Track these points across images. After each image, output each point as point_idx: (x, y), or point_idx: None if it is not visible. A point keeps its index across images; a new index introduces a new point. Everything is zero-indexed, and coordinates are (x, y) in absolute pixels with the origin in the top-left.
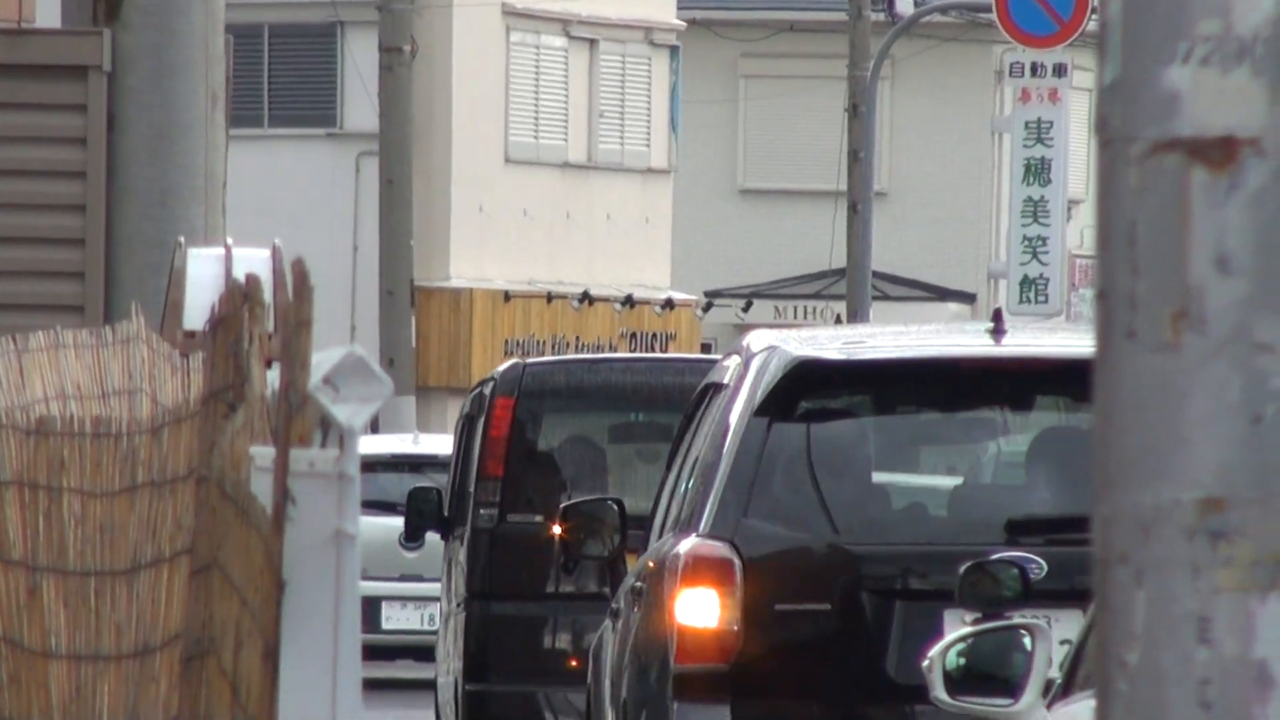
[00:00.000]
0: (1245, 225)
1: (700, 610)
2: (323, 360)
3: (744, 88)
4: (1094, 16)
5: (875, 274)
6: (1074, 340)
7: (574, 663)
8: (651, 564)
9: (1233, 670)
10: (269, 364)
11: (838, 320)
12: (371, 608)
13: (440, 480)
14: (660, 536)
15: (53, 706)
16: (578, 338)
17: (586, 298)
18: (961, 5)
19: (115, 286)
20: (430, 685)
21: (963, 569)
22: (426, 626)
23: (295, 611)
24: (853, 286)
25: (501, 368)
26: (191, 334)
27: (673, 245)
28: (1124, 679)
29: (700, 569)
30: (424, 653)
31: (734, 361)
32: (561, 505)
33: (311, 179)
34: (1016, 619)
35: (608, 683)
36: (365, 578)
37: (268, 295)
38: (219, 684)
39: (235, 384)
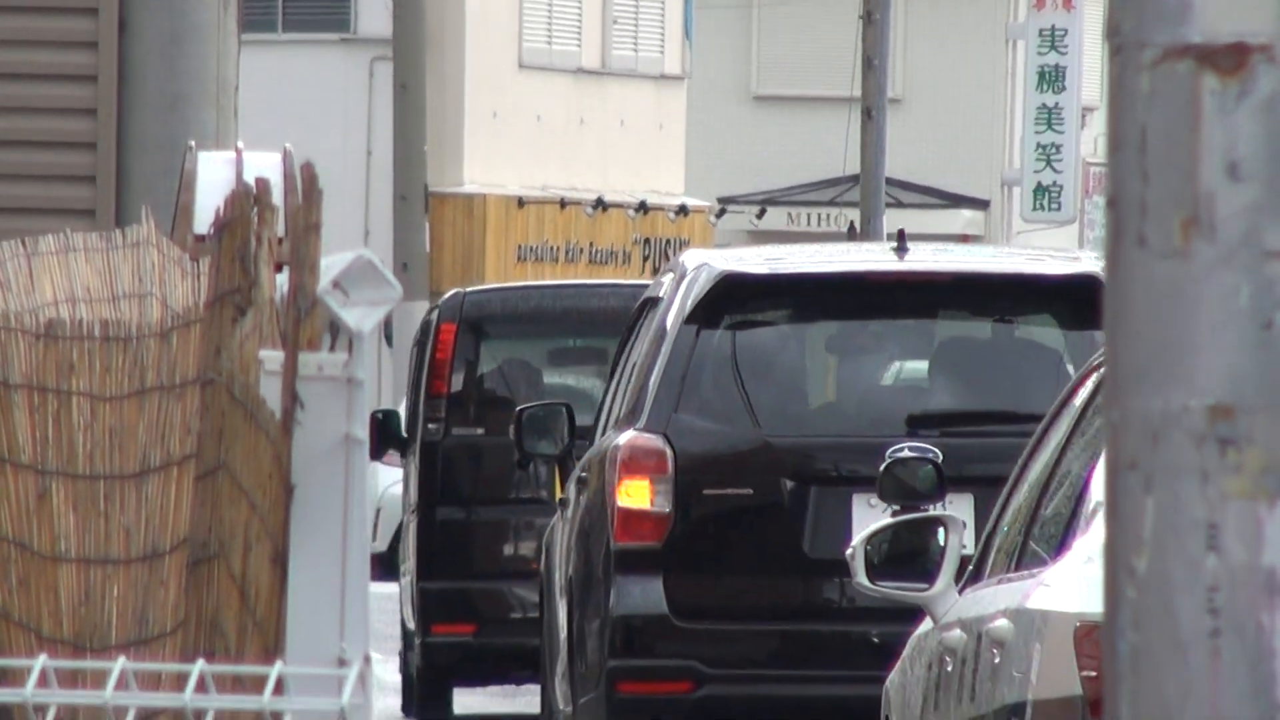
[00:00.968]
0: (1256, 132)
1: (636, 495)
2: (332, 264)
3: None
4: None
5: (889, 181)
6: (969, 258)
7: (511, 559)
8: (595, 457)
9: (1241, 577)
10: (278, 268)
11: (850, 227)
12: None
13: None
14: (604, 434)
15: (61, 610)
16: (591, 244)
17: (600, 204)
18: None
19: (126, 190)
20: None
21: (882, 466)
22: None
23: (304, 515)
24: (866, 193)
25: (445, 296)
26: (202, 238)
27: (686, 151)
28: (1132, 585)
29: (637, 459)
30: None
31: (669, 278)
32: (517, 408)
33: (325, 84)
34: (932, 511)
35: (558, 563)
36: None
37: (278, 199)
38: (228, 588)
39: (243, 288)
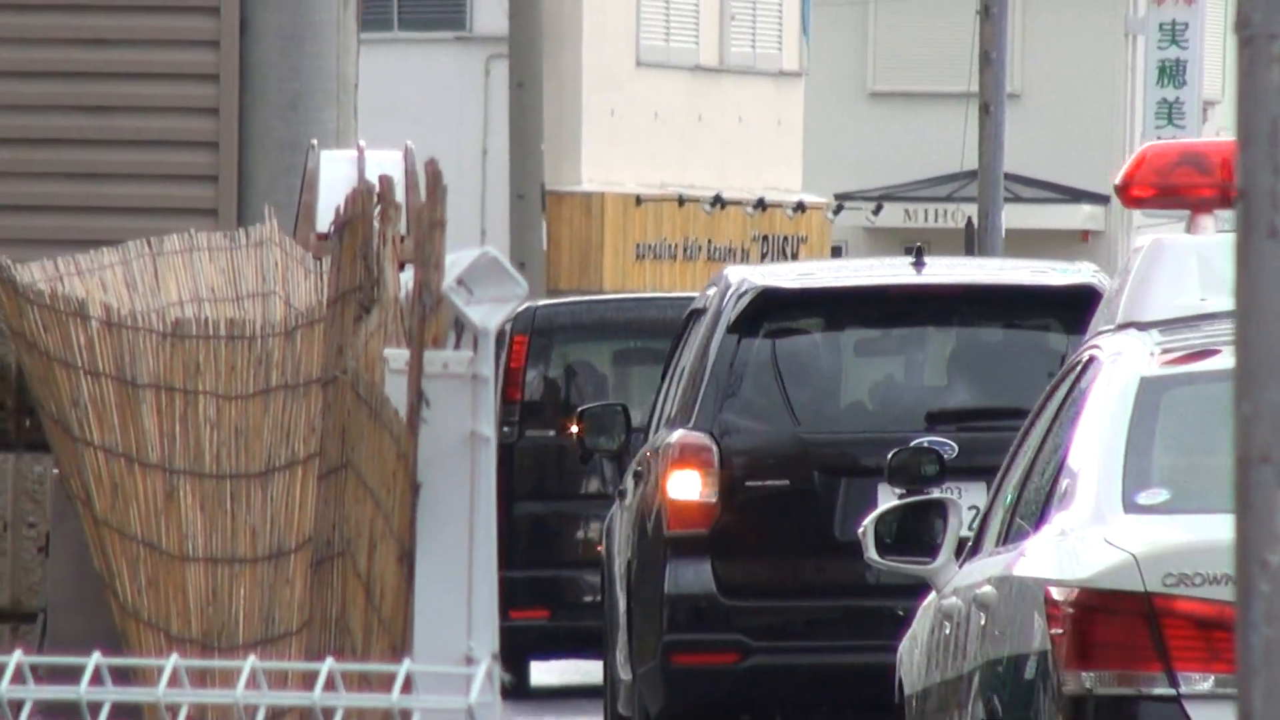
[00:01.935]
0: None
1: (686, 487)
2: (457, 261)
3: None
4: None
5: (1007, 176)
6: (980, 271)
7: (581, 549)
8: (649, 452)
9: None
10: (402, 266)
11: (968, 223)
12: None
13: None
14: (656, 431)
15: (189, 609)
16: (710, 241)
17: (718, 201)
18: None
19: (248, 189)
20: None
21: (890, 454)
22: None
23: (430, 514)
24: (984, 189)
25: (518, 309)
26: (324, 236)
27: (804, 148)
28: (1265, 580)
29: (687, 454)
30: None
31: (713, 291)
32: (577, 409)
33: (441, 83)
34: (935, 494)
35: (617, 549)
36: None
37: (400, 196)
38: (354, 586)
39: (365, 285)
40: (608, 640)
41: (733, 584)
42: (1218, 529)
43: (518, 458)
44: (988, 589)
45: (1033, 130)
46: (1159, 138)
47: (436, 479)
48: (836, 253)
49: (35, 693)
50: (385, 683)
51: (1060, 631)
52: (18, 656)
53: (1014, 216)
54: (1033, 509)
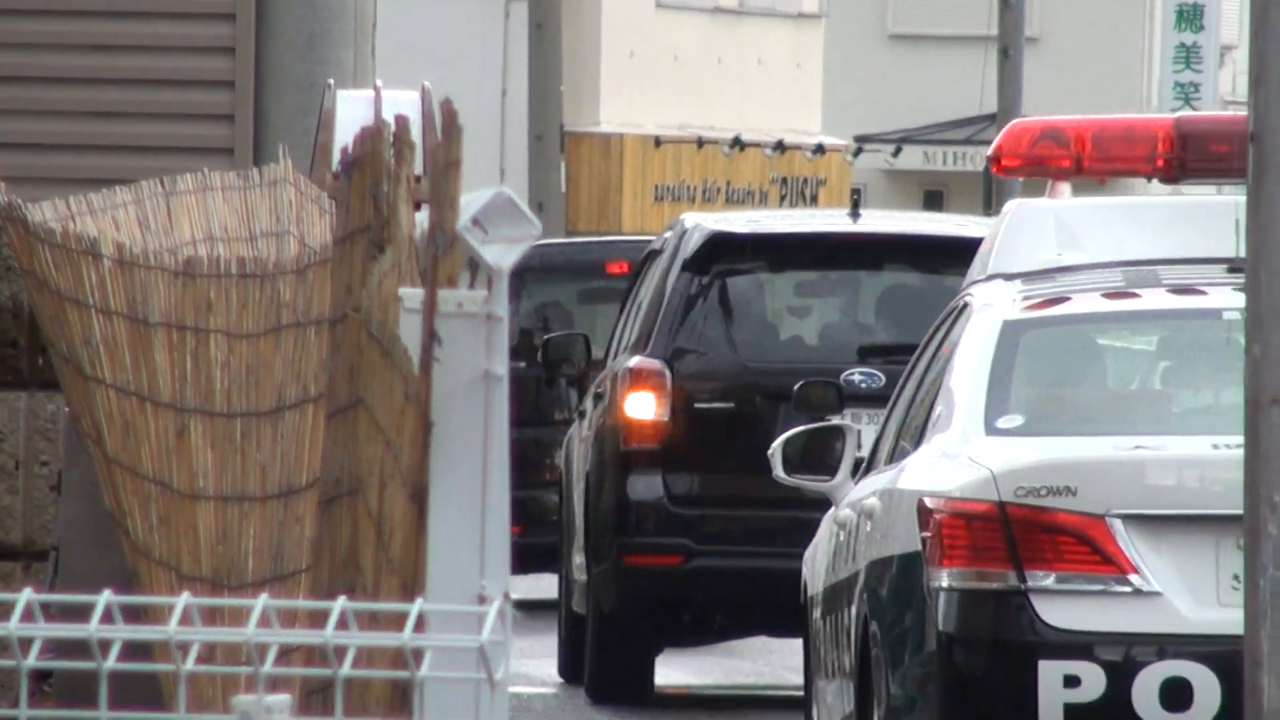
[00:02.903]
0: None
1: (642, 407)
2: (471, 201)
3: None
4: None
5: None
6: (909, 223)
7: (548, 471)
8: (609, 376)
9: None
10: (417, 206)
11: (987, 166)
12: None
13: None
14: (615, 358)
15: (200, 548)
16: (729, 183)
17: (738, 143)
18: None
19: (264, 129)
20: None
21: (795, 386)
22: None
23: (443, 453)
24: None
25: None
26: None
27: (824, 91)
28: (1274, 522)
29: (643, 377)
30: None
31: (670, 234)
32: (544, 338)
33: (460, 24)
34: (834, 421)
35: (576, 462)
36: None
37: (416, 136)
38: (365, 525)
39: (376, 225)
40: (565, 545)
41: (680, 494)
42: (1064, 449)
43: None
44: (874, 500)
45: (1051, 74)
46: (1177, 82)
47: (450, 418)
48: (856, 195)
49: (46, 630)
50: (396, 622)
51: (930, 535)
52: (28, 594)
53: None
54: (914, 432)
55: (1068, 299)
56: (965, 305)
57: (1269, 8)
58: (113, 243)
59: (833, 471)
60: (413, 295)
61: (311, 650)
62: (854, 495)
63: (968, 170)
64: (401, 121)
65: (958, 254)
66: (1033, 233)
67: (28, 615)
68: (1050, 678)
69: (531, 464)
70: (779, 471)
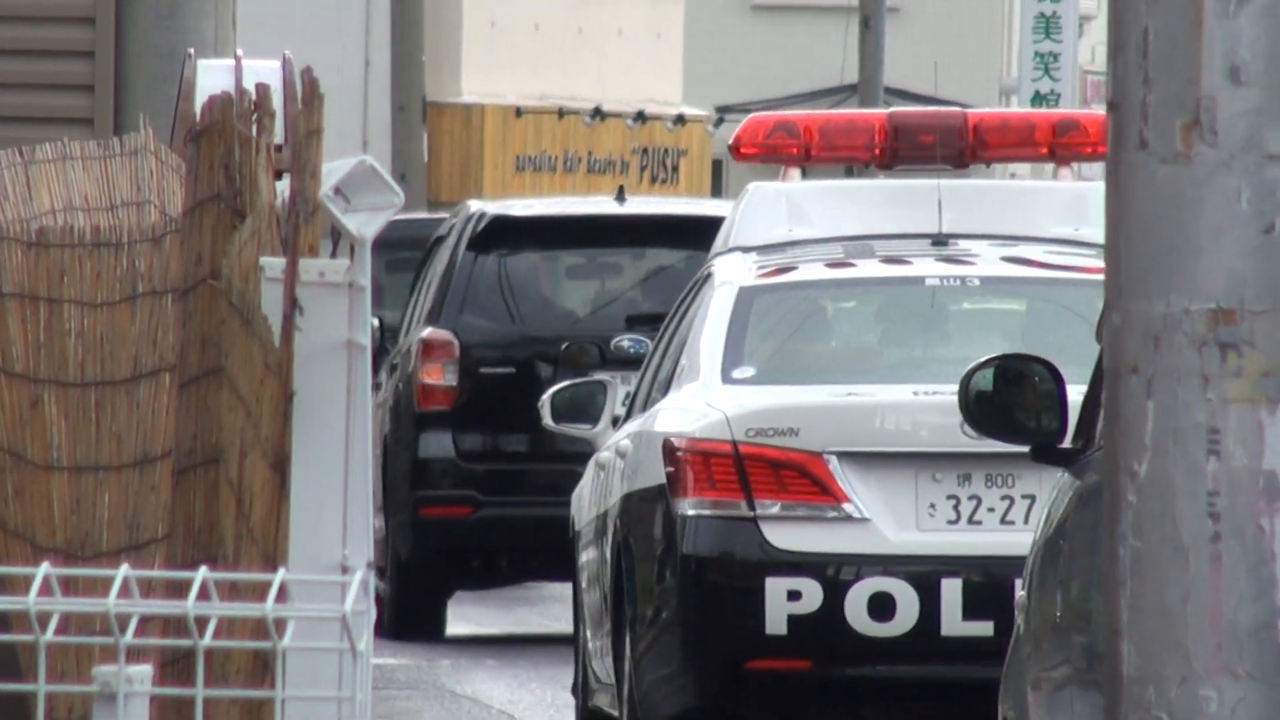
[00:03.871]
0: (1258, 36)
1: (433, 373)
2: (334, 169)
3: None
4: None
5: (887, 89)
6: (671, 206)
7: None
8: (403, 347)
9: (1241, 481)
10: (278, 175)
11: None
12: None
13: None
14: (409, 331)
15: (55, 518)
16: (590, 153)
17: (598, 113)
18: None
19: (125, 98)
20: None
21: (561, 348)
22: None
23: (305, 422)
24: (865, 102)
25: None
26: None
27: (684, 61)
28: (1133, 490)
29: (434, 346)
30: None
31: (455, 220)
32: None
33: None
34: (597, 377)
35: (383, 429)
36: None
37: (277, 105)
38: (226, 495)
39: (229, 193)
40: None
41: (468, 451)
42: (788, 396)
43: None
44: (626, 441)
45: (912, 44)
46: (1036, 52)
47: (312, 387)
48: (717, 166)
49: None
50: (258, 592)
51: (673, 470)
52: None
53: None
54: (663, 384)
55: (795, 268)
56: (709, 275)
57: None
58: None
59: (596, 421)
60: (274, 264)
61: (168, 620)
62: (613, 440)
63: None
64: (262, 90)
65: (712, 232)
66: (767, 211)
67: None
68: (775, 592)
69: None
70: (547, 420)
